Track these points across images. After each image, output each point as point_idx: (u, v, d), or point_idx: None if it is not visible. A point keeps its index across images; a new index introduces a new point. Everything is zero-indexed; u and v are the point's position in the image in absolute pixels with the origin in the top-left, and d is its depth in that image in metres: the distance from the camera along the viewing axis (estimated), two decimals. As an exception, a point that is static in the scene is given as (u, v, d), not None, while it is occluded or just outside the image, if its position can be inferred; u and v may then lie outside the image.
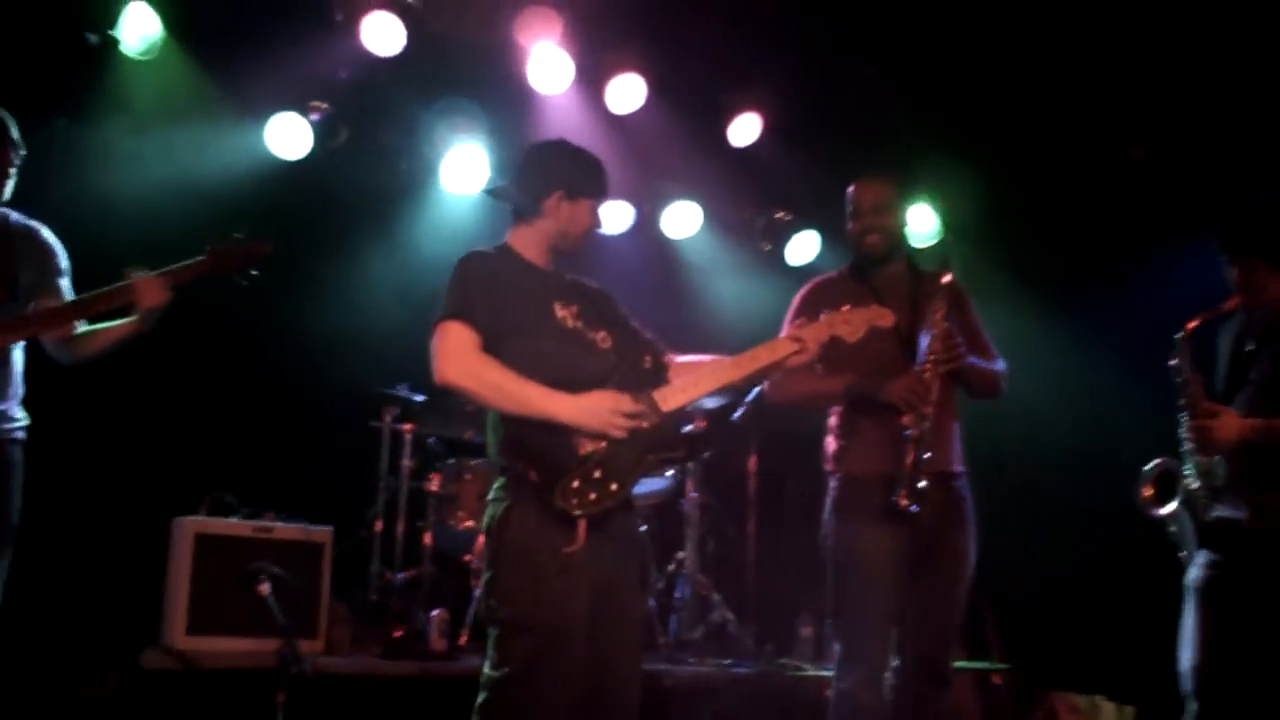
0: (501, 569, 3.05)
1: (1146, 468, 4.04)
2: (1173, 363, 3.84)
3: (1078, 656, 5.90)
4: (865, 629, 3.83)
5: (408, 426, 5.66)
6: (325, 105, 6.01)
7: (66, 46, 5.42)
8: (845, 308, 3.42)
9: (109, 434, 5.21)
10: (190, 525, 4.69)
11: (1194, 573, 3.77)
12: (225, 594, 4.55)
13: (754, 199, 7.17)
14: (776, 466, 6.41)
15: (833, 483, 4.02)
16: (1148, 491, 3.99)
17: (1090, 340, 6.24)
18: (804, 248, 7.09)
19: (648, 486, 5.83)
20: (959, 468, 3.99)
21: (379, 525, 5.54)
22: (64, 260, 3.81)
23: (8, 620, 3.60)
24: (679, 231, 7.04)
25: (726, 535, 6.17)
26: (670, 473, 5.84)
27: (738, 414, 5.96)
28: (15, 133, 3.72)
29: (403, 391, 5.67)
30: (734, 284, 7.00)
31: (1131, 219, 6.24)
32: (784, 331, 3.76)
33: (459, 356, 3.05)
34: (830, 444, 4.07)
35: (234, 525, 4.79)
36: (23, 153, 3.75)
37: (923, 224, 7.11)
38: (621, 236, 6.90)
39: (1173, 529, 3.91)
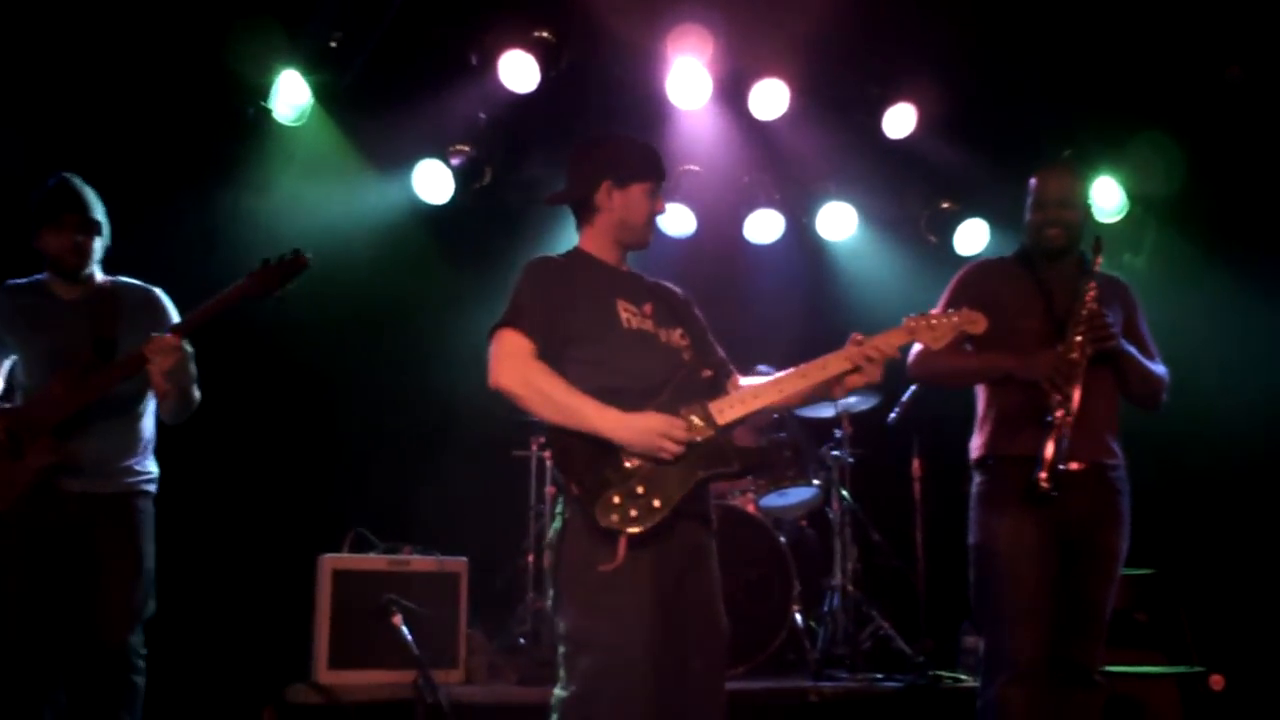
0: (562, 586, 3.05)
1: None
2: None
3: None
4: (1009, 625, 3.68)
5: (550, 455, 5.73)
6: (467, 148, 6.23)
7: (225, 122, 5.83)
8: (934, 311, 3.32)
9: (266, 474, 5.56)
10: (329, 562, 4.93)
11: None
12: (364, 628, 4.76)
13: (916, 191, 6.94)
14: (946, 470, 6.14)
15: (976, 476, 3.91)
16: None
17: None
18: (972, 236, 6.79)
19: (795, 496, 5.71)
20: (1114, 458, 3.81)
21: (530, 555, 5.63)
22: (173, 317, 3.94)
23: (167, 658, 3.84)
24: (835, 234, 6.88)
25: (877, 544, 5.94)
26: (817, 482, 5.69)
27: (892, 416, 5.77)
28: (97, 214, 3.90)
29: (546, 420, 5.75)
30: (900, 281, 6.77)
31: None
32: (935, 310, 3.69)
33: (512, 361, 3.07)
34: (975, 436, 3.96)
35: (370, 560, 5.00)
36: (96, 228, 3.89)
37: (1108, 199, 6.70)
38: (775, 245, 6.80)
39: None
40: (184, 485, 3.94)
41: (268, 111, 5.82)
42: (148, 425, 3.93)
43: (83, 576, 3.67)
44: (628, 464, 2.99)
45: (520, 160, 6.47)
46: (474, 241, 6.41)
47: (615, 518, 2.94)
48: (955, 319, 3.28)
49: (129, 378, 3.71)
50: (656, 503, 2.97)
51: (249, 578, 5.27)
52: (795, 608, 5.35)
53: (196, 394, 3.91)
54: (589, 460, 3.00)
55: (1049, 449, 3.59)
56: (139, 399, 3.88)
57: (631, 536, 2.95)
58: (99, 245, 3.91)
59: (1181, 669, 5.37)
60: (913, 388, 5.65)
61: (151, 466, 3.90)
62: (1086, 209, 4.04)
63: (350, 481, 5.72)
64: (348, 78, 5.94)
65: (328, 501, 5.55)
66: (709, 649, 3.13)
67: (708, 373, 3.20)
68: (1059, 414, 3.60)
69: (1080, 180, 4.02)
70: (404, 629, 4.56)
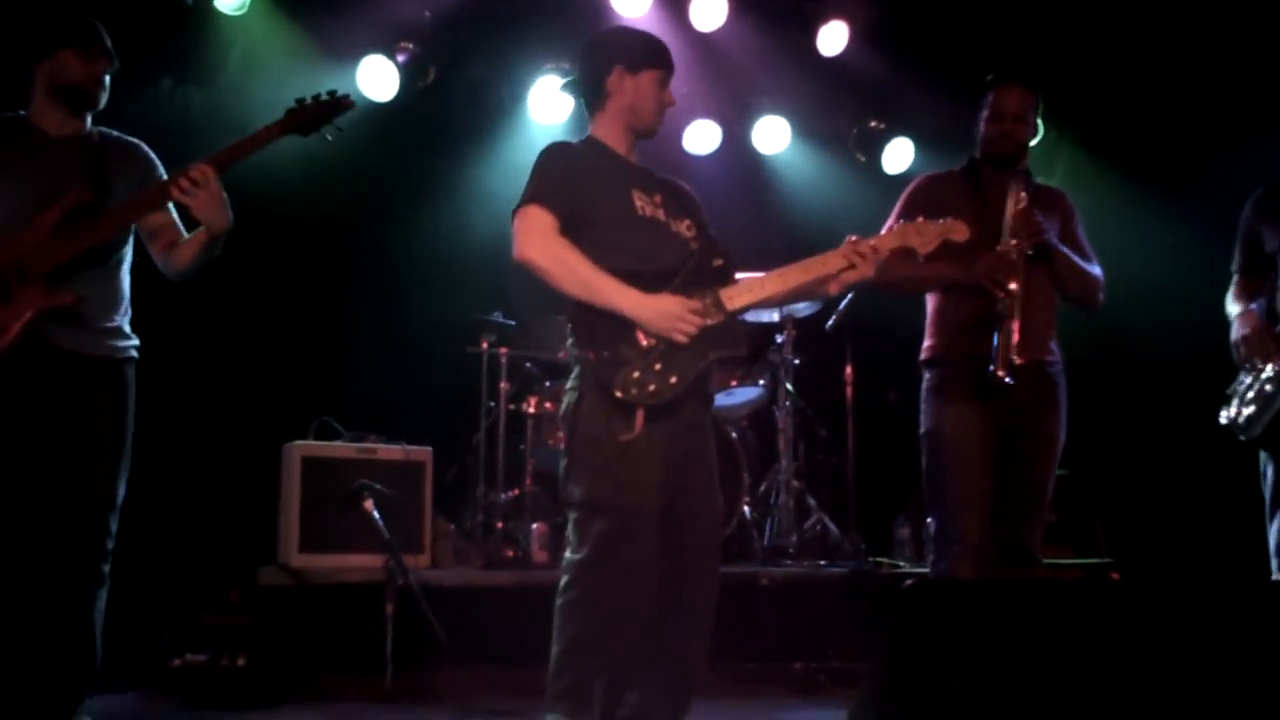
0: (576, 454, 3.17)
1: None
2: None
3: (1184, 554, 5.81)
4: (957, 506, 3.91)
5: (504, 350, 5.82)
6: (412, 46, 6.19)
7: (164, 8, 5.67)
8: (920, 219, 3.45)
9: (223, 364, 5.54)
10: (298, 450, 4.96)
11: None
12: (334, 513, 4.83)
13: (846, 109, 7.12)
14: (876, 375, 6.44)
15: (926, 373, 4.12)
16: None
17: (1204, 228, 6.06)
18: (899, 155, 7.01)
19: (741, 396, 5.91)
20: (1053, 355, 4.04)
21: (482, 448, 5.74)
22: (163, 174, 3.68)
23: (132, 543, 3.78)
24: (770, 147, 7.03)
25: (820, 441, 6.21)
26: (762, 382, 5.90)
27: (830, 322, 6.00)
28: (109, 42, 3.61)
29: (497, 317, 5.84)
30: (830, 196, 6.97)
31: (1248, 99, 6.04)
32: (889, 224, 3.90)
33: (538, 236, 3.15)
34: (926, 339, 4.17)
35: (339, 448, 5.05)
36: (116, 64, 3.64)
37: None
38: (712, 156, 6.93)
39: None
40: (154, 369, 3.85)
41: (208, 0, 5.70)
42: (127, 282, 3.67)
43: (67, 441, 3.43)
44: (644, 342, 3.12)
45: (465, 60, 6.45)
46: (421, 139, 6.40)
47: (634, 390, 3.07)
48: (941, 225, 3.42)
49: (141, 218, 3.53)
50: (673, 379, 3.10)
51: (209, 464, 5.26)
52: (745, 500, 5.59)
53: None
54: (608, 336, 3.12)
55: (1001, 341, 3.79)
56: (121, 249, 3.64)
57: (649, 409, 3.09)
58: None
59: (1090, 560, 5.78)
60: (849, 296, 5.86)
61: (132, 334, 3.65)
62: (1036, 128, 4.26)
63: (306, 372, 5.71)
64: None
65: (286, 391, 5.56)
66: (707, 524, 3.29)
67: (719, 261, 3.32)
68: (1004, 308, 3.79)
69: (1036, 98, 4.17)
70: (375, 514, 4.64)
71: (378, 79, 6.13)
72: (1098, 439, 6.10)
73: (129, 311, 3.67)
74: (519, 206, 3.21)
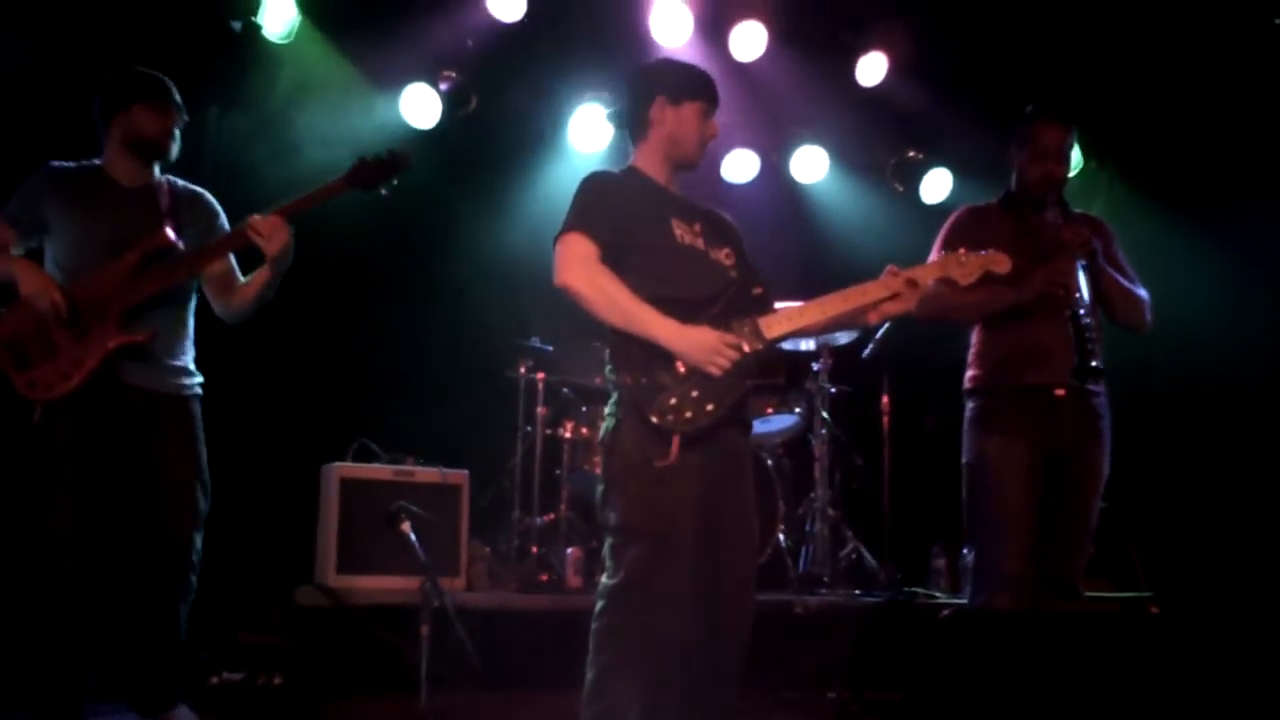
0: (613, 479, 3.19)
1: None
2: None
3: (1224, 588, 5.75)
4: (998, 537, 3.90)
5: (541, 376, 5.87)
6: (454, 74, 6.28)
7: (213, 36, 5.78)
8: (961, 250, 3.44)
9: (263, 386, 5.60)
10: (336, 471, 5.02)
11: None
12: (371, 535, 4.87)
13: (884, 139, 7.15)
14: (912, 404, 6.43)
15: (970, 403, 4.11)
16: None
17: (1243, 262, 6.04)
18: (937, 185, 7.02)
19: (777, 424, 5.92)
20: (1098, 386, 4.01)
21: (518, 473, 5.77)
22: (225, 222, 3.98)
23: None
24: (808, 176, 7.06)
25: (856, 470, 6.21)
26: (798, 409, 5.91)
27: (867, 350, 6.00)
28: (178, 96, 3.92)
29: (535, 343, 5.89)
30: (867, 226, 6.98)
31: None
32: (931, 256, 3.89)
33: (579, 263, 3.17)
34: (970, 369, 4.16)
35: (377, 470, 5.10)
36: (185, 118, 3.94)
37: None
38: (750, 185, 6.97)
39: None
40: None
41: (256, 27, 5.79)
42: (192, 322, 3.95)
43: (146, 474, 3.71)
44: (682, 369, 3.13)
45: (506, 88, 6.53)
46: (462, 167, 6.47)
47: (671, 417, 3.08)
48: (983, 257, 3.40)
49: (213, 261, 3.80)
50: (710, 406, 3.11)
51: (249, 484, 5.28)
52: (780, 528, 5.59)
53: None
54: (646, 362, 3.14)
55: (1077, 339, 3.75)
56: (190, 291, 3.91)
57: (685, 435, 3.09)
58: None
59: (1129, 594, 5.72)
60: (886, 325, 5.85)
61: (196, 369, 3.93)
62: (1071, 164, 4.25)
63: (345, 394, 5.79)
64: (337, -5, 5.96)
65: (325, 413, 5.64)
66: (742, 551, 3.28)
67: (758, 290, 3.33)
68: (1069, 311, 3.76)
69: (1074, 133, 4.16)
70: (412, 536, 4.66)
71: (420, 106, 6.22)
72: (1136, 471, 6.08)
73: (193, 350, 3.94)
74: (560, 234, 3.24)
